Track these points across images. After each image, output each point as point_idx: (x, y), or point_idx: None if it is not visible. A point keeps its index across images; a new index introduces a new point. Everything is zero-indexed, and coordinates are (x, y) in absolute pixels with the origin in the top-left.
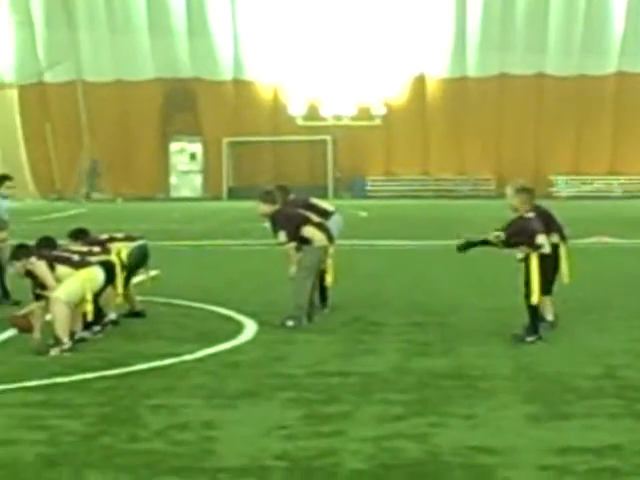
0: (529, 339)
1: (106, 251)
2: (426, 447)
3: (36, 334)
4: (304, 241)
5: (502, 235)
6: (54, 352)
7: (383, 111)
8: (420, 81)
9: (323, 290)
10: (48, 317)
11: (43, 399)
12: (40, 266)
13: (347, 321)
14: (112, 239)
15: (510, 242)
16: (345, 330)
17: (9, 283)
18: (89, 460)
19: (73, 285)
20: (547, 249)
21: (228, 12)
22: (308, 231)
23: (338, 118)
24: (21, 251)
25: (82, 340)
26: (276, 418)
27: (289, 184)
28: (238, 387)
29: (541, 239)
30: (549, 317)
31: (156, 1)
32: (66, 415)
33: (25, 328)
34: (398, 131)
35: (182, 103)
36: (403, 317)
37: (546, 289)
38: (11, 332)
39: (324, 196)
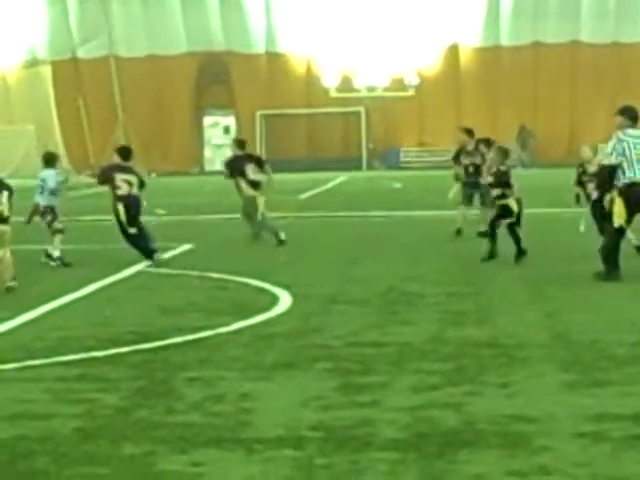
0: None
1: None
2: (462, 416)
3: None
4: None
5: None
6: None
7: (416, 81)
8: (453, 50)
9: None
10: None
11: (79, 373)
12: None
13: (382, 292)
14: None
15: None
16: (380, 301)
17: None
18: (126, 433)
19: None
20: None
21: None
22: None
23: (371, 89)
24: None
25: None
26: (312, 389)
27: (323, 156)
28: (274, 359)
29: None
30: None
31: None
32: (102, 389)
33: None
34: (431, 101)
35: (215, 77)
36: (438, 287)
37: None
38: (46, 307)
39: (358, 167)
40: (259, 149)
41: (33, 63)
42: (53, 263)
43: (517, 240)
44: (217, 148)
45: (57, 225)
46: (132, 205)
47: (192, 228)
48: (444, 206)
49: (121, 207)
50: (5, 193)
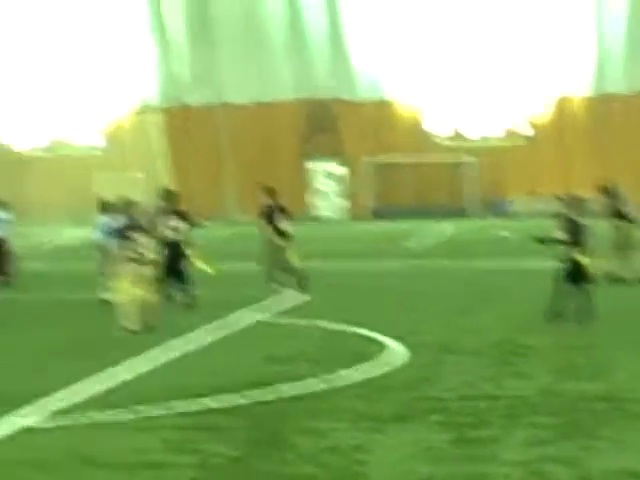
0: None
1: None
2: (576, 471)
3: None
4: None
5: None
6: None
7: (527, 131)
8: (564, 100)
9: None
10: None
11: (194, 422)
12: None
13: (495, 343)
14: None
15: None
16: (493, 352)
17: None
18: None
19: None
20: None
21: (368, 33)
22: None
23: (482, 139)
24: None
25: None
26: (425, 441)
27: (431, 204)
28: (386, 410)
29: None
30: None
31: (296, 22)
32: (215, 438)
33: None
34: (541, 151)
35: (322, 124)
36: (551, 339)
37: None
38: (161, 356)
39: (466, 216)
40: (366, 197)
41: (145, 110)
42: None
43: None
44: (324, 195)
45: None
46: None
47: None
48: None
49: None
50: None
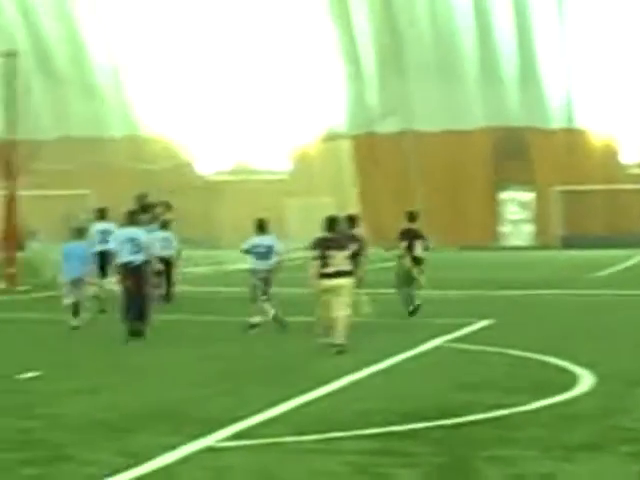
0: None
1: None
2: None
3: None
4: None
5: None
6: None
7: None
8: None
9: None
10: None
11: (379, 447)
12: None
13: None
14: None
15: None
16: None
17: None
18: None
19: None
20: None
21: (560, 60)
22: None
23: None
24: None
25: None
26: (615, 472)
27: (622, 232)
28: (576, 439)
29: None
30: None
31: (487, 50)
32: (403, 464)
33: None
34: None
35: (512, 152)
36: None
37: None
38: (345, 379)
39: None
40: (557, 225)
41: (333, 137)
42: None
43: None
44: (514, 223)
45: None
46: None
47: (491, 303)
48: None
49: None
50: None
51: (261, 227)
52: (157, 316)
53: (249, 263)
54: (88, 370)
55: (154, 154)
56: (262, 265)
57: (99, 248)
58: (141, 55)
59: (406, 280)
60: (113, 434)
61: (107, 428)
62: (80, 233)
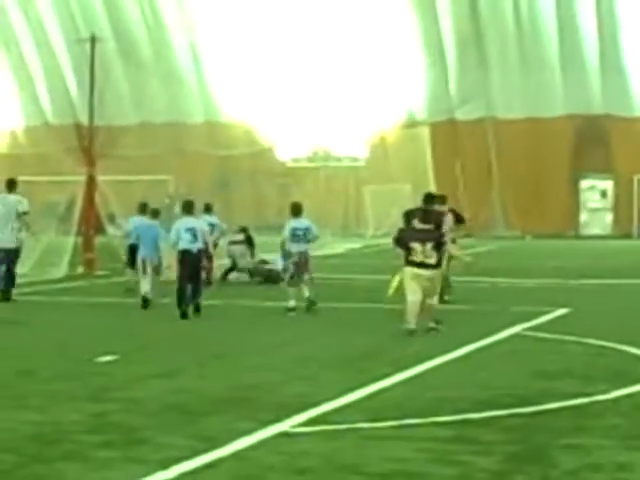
0: None
1: None
2: None
3: None
4: None
5: None
6: None
7: None
8: None
9: None
10: None
11: (454, 434)
12: None
13: None
14: None
15: None
16: None
17: None
18: None
19: None
20: None
21: None
22: None
23: None
24: None
25: None
26: None
27: None
28: None
29: None
30: None
31: (569, 38)
32: (477, 452)
33: None
34: None
35: (593, 140)
36: None
37: None
38: (422, 367)
39: None
40: (637, 214)
41: (412, 124)
42: None
43: None
44: (593, 212)
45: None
46: None
47: (569, 292)
48: None
49: None
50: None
51: (296, 210)
52: (227, 301)
53: (287, 246)
54: (163, 354)
55: (234, 140)
56: (300, 247)
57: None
58: (222, 40)
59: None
60: (188, 418)
61: (182, 412)
62: (155, 214)
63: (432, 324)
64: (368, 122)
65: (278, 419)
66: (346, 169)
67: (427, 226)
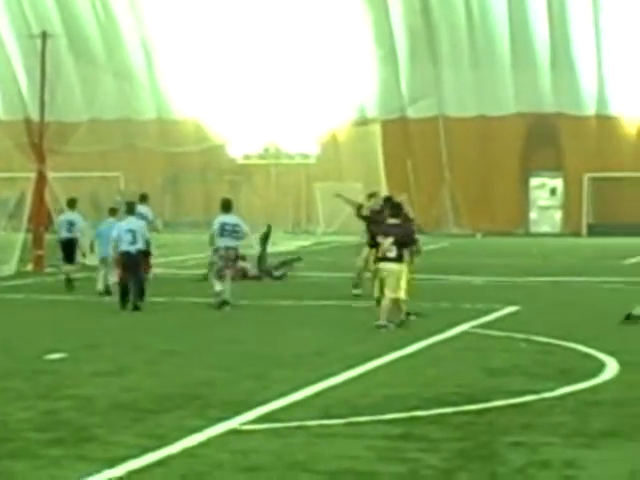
0: None
1: None
2: None
3: None
4: None
5: None
6: None
7: None
8: None
9: None
10: None
11: (402, 432)
12: None
13: None
14: None
15: None
16: None
17: None
18: None
19: None
20: None
21: (592, 46)
22: None
23: None
24: None
25: None
26: (638, 460)
27: None
28: (599, 426)
29: None
30: None
31: (520, 36)
32: (425, 449)
33: None
34: None
35: (544, 138)
36: None
37: None
38: (371, 364)
39: None
40: (585, 212)
41: (363, 121)
42: None
43: None
44: (543, 210)
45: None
46: None
47: (518, 290)
48: None
49: None
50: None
51: (226, 206)
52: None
53: (215, 241)
54: (113, 351)
55: (185, 136)
56: (227, 242)
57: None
58: (173, 37)
59: None
60: (138, 416)
61: (132, 410)
62: (113, 213)
63: (403, 316)
64: (320, 119)
65: (228, 417)
66: (297, 166)
67: (396, 220)
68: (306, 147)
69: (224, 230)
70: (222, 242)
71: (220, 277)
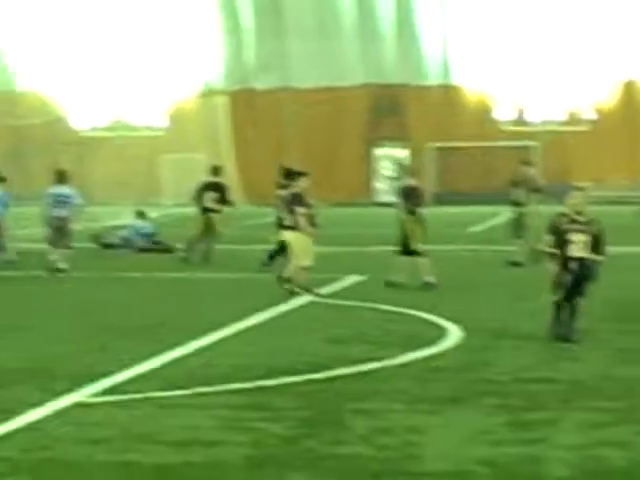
0: None
1: None
2: (632, 455)
3: None
4: None
5: None
6: None
7: (592, 116)
8: (630, 86)
9: None
10: None
11: (248, 402)
12: None
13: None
14: None
15: None
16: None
17: None
18: (293, 463)
19: None
20: None
21: (437, 17)
22: None
23: (545, 123)
24: None
25: None
26: (479, 424)
27: (495, 189)
28: (442, 392)
29: None
30: None
31: (365, 7)
32: (270, 418)
33: None
34: (606, 137)
35: (388, 109)
36: (609, 324)
37: None
38: (217, 335)
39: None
40: (430, 181)
41: (209, 93)
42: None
43: None
44: (388, 180)
45: None
46: None
47: (362, 259)
48: (617, 242)
49: None
50: None
51: (60, 178)
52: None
53: (47, 211)
54: None
55: (28, 109)
56: (61, 212)
57: None
58: (16, 10)
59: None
60: None
61: None
62: None
63: (290, 286)
64: (167, 91)
65: (73, 389)
66: (144, 139)
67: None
68: (153, 119)
69: (57, 201)
70: (55, 212)
71: (53, 245)
